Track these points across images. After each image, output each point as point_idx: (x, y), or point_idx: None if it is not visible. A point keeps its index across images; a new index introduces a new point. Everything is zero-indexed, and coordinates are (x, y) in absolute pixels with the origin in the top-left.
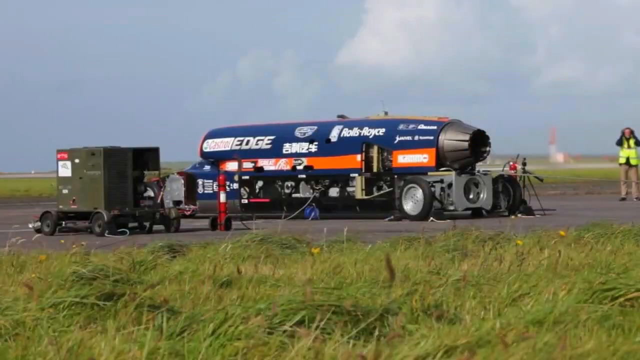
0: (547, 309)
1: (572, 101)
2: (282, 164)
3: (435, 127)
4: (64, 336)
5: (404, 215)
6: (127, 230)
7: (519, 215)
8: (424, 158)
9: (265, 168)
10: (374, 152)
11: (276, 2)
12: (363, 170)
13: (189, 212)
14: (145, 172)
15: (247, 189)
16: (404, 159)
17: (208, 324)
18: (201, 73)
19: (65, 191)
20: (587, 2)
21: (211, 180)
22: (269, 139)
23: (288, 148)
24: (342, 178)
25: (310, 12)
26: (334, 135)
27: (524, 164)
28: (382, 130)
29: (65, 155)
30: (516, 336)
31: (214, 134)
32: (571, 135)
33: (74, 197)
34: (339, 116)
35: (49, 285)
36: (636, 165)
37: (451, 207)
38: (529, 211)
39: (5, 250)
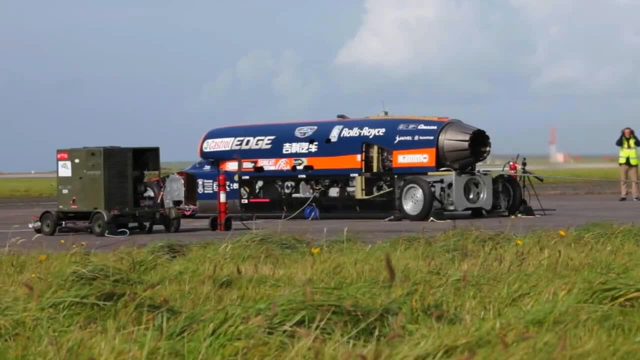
0: (547, 309)
1: (572, 101)
2: (282, 164)
3: (435, 127)
4: (64, 336)
5: (404, 215)
6: (127, 230)
7: (519, 215)
8: (424, 158)
9: (265, 168)
10: (374, 152)
11: (276, 2)
12: (363, 170)
13: (189, 212)
14: (145, 172)
15: (247, 189)
16: (404, 159)
17: (208, 324)
18: (201, 73)
19: (65, 191)
20: (587, 2)
21: (211, 180)
22: (269, 139)
23: (288, 148)
24: (342, 178)
25: (310, 12)
26: (334, 135)
27: (524, 164)
28: (382, 130)
29: (65, 155)
30: (516, 336)
31: (214, 134)
32: (571, 135)
33: (74, 197)
34: (339, 116)
35: (49, 285)
36: (636, 165)
37: (451, 207)
38: (529, 211)
39: (5, 250)
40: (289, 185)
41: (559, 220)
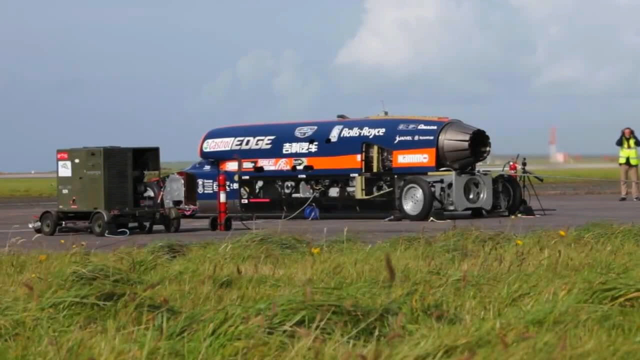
0: (547, 309)
1: (572, 101)
2: (282, 164)
3: (435, 127)
4: (64, 336)
5: (404, 215)
6: (127, 230)
7: (519, 215)
8: (424, 158)
9: (265, 168)
10: (374, 152)
11: (276, 2)
12: (363, 170)
13: (189, 212)
14: (145, 172)
15: (247, 189)
16: (404, 159)
17: (208, 324)
18: (201, 73)
19: (65, 191)
20: (587, 2)
21: (211, 180)
22: (269, 139)
23: (288, 148)
24: (342, 178)
25: (310, 12)
26: (334, 135)
27: (524, 164)
28: (382, 130)
29: (65, 155)
30: (516, 336)
31: (214, 134)
32: (571, 135)
33: (74, 197)
34: (339, 116)
35: (49, 285)
36: (636, 165)
37: (451, 207)
38: (529, 211)
39: (5, 250)
40: (289, 185)
41: (559, 220)
